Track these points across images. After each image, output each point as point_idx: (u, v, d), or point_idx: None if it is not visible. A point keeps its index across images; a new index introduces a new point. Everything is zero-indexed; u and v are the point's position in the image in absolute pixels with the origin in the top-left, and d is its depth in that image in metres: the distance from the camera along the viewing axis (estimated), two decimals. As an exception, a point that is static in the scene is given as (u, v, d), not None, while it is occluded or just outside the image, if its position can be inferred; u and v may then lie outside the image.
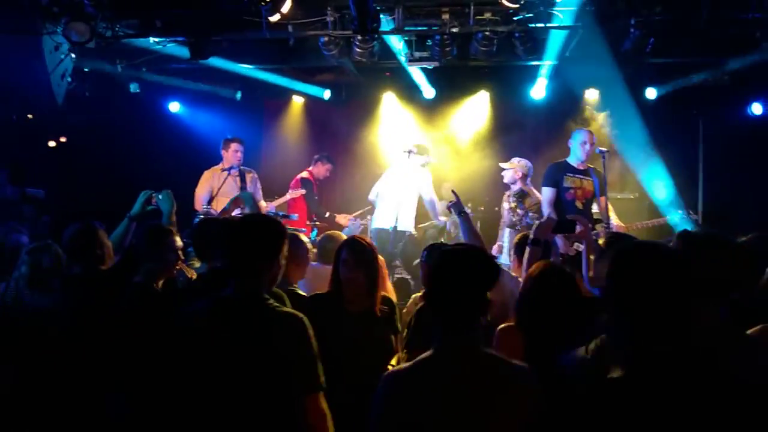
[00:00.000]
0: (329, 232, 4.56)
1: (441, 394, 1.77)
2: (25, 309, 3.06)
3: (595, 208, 5.60)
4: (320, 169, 7.32)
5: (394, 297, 3.33)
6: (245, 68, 7.08)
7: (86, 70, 6.76)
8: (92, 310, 2.92)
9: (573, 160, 5.50)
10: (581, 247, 3.56)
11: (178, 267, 3.20)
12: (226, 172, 6.43)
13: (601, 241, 3.06)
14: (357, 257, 2.93)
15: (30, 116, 6.52)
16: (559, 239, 4.93)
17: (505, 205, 6.51)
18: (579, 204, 5.47)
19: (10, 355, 2.91)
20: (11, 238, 4.94)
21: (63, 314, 2.96)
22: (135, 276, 3.06)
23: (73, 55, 6.06)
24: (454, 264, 1.86)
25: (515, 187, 6.05)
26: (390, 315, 3.03)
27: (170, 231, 3.20)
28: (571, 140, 5.52)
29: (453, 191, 3.74)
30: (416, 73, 7.35)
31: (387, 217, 6.38)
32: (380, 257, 3.19)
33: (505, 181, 6.07)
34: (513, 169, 6.02)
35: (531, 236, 3.25)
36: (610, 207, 5.52)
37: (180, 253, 3.15)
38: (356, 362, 2.71)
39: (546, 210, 5.49)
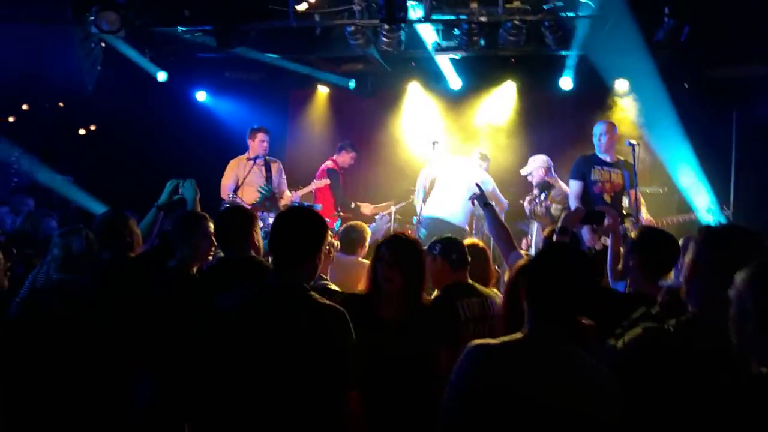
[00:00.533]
0: (352, 222, 4.56)
1: (525, 377, 1.76)
2: (54, 288, 3.12)
3: (625, 202, 5.51)
4: (344, 158, 7.29)
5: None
6: (271, 57, 7.06)
7: (113, 58, 6.84)
8: (120, 294, 2.96)
9: (599, 152, 5.43)
10: (608, 242, 3.51)
11: (212, 253, 3.21)
12: (251, 162, 6.47)
13: (633, 234, 2.99)
14: (397, 255, 2.54)
15: (61, 104, 6.63)
16: (585, 232, 4.87)
17: (529, 198, 6.51)
18: (607, 197, 5.40)
19: (37, 335, 2.98)
20: (43, 222, 5.06)
21: (91, 295, 3.01)
22: (169, 261, 3.11)
23: (103, 44, 6.13)
24: (560, 261, 1.87)
25: (540, 179, 6.12)
26: (434, 325, 2.57)
27: (204, 217, 3.21)
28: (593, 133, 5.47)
29: (477, 184, 3.69)
30: (443, 62, 7.27)
31: (447, 207, 6.20)
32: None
33: (534, 182, 6.10)
34: (535, 170, 6.06)
35: (559, 224, 3.21)
36: (642, 201, 5.43)
37: (213, 239, 3.14)
38: (382, 381, 2.36)
39: (573, 203, 5.45)
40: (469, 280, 3.04)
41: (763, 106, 7.09)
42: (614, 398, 1.74)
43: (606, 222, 3.45)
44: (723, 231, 1.89)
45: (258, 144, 6.52)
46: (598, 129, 5.47)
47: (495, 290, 3.41)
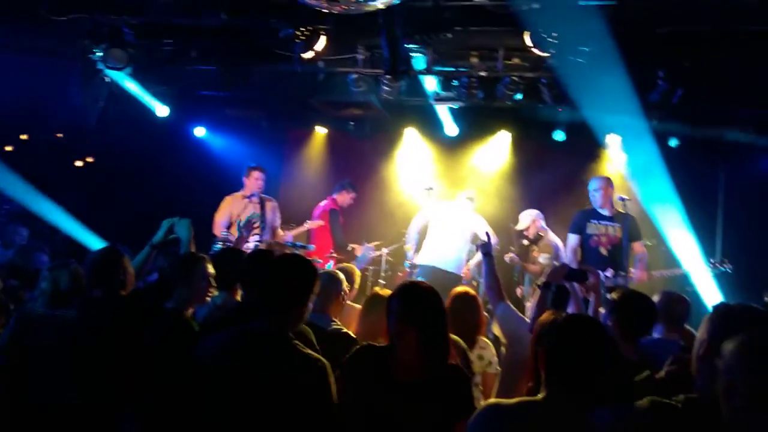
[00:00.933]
0: (338, 266, 4.56)
1: None
2: (40, 322, 3.09)
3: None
4: (345, 197, 7.29)
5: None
6: (274, 96, 7.17)
7: (117, 93, 6.91)
8: (109, 331, 2.90)
9: (597, 207, 5.54)
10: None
11: (209, 294, 3.20)
12: (246, 199, 6.53)
13: (613, 295, 3.04)
14: (409, 309, 2.25)
15: (59, 135, 6.65)
16: (576, 286, 4.95)
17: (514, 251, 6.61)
18: (603, 251, 5.51)
19: (22, 367, 2.93)
20: (34, 256, 5.00)
21: (77, 330, 2.96)
22: (166, 301, 3.09)
23: (107, 79, 6.20)
24: (582, 329, 1.92)
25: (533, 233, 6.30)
26: (455, 390, 2.26)
27: (202, 258, 3.20)
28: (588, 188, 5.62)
29: (486, 233, 3.76)
30: (440, 110, 7.42)
31: (443, 255, 6.29)
32: None
33: (531, 236, 6.22)
34: (531, 224, 6.33)
35: (543, 279, 3.29)
36: (640, 255, 5.54)
37: (212, 280, 3.14)
38: None
39: (568, 256, 5.55)
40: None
41: (751, 166, 7.33)
42: None
43: (589, 280, 3.50)
44: (740, 312, 1.93)
45: (253, 182, 6.59)
46: (593, 184, 5.64)
47: (486, 339, 3.45)
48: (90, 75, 5.94)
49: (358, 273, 4.22)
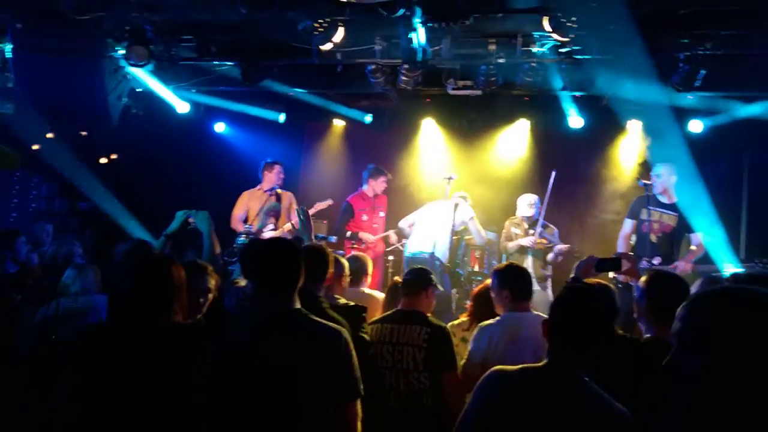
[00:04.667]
0: (354, 253, 4.60)
1: (539, 403, 1.91)
2: (64, 317, 3.15)
3: (693, 245, 5.65)
4: (376, 183, 7.16)
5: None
6: (292, 92, 7.22)
7: (140, 90, 7.01)
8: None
9: (656, 193, 5.61)
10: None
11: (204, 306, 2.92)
12: (266, 193, 6.73)
13: (642, 280, 2.99)
14: None
15: (83, 133, 6.76)
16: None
17: (516, 230, 6.47)
18: (653, 237, 5.50)
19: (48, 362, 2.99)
20: (65, 250, 5.09)
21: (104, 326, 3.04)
22: None
23: (129, 77, 6.29)
24: (579, 300, 2.06)
25: (533, 216, 6.31)
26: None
27: (201, 270, 2.91)
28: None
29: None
30: (458, 99, 7.39)
31: (424, 243, 6.40)
32: None
33: (537, 216, 6.17)
34: (533, 209, 6.33)
35: (572, 274, 3.24)
36: (695, 247, 5.56)
37: (209, 294, 2.89)
38: None
39: (619, 242, 5.65)
40: (415, 308, 3.29)
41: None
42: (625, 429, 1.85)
43: (624, 267, 3.45)
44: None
45: (275, 176, 6.82)
46: (654, 170, 5.69)
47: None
48: (113, 73, 6.02)
49: (370, 261, 4.34)
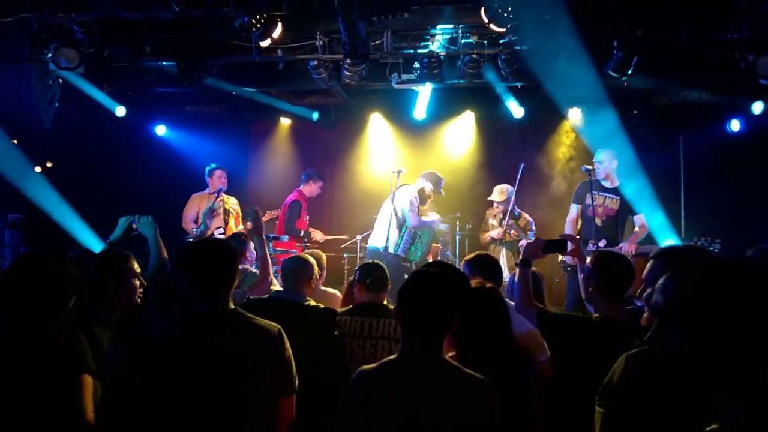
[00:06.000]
0: (310, 250, 4.56)
1: (400, 396, 1.92)
2: None
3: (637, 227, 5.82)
4: (312, 187, 7.38)
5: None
6: (234, 90, 7.09)
7: (72, 94, 6.72)
8: None
9: (600, 178, 5.80)
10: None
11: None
12: (212, 195, 6.86)
13: (588, 260, 3.06)
14: None
15: (14, 141, 6.43)
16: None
17: (493, 222, 6.71)
18: (598, 221, 5.67)
19: None
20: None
21: None
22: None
23: (60, 81, 6.03)
24: (421, 285, 2.04)
25: (505, 207, 6.43)
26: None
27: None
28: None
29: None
30: (404, 93, 7.42)
31: (377, 237, 6.43)
32: None
33: (509, 208, 6.30)
34: (505, 197, 6.45)
35: (520, 257, 3.30)
36: (639, 227, 5.73)
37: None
38: None
39: (566, 226, 5.83)
40: (385, 302, 3.31)
41: (708, 130, 7.52)
42: (487, 403, 1.91)
43: (569, 248, 3.53)
44: (681, 251, 2.05)
45: (217, 180, 6.96)
46: (596, 157, 5.87)
47: None
48: (42, 77, 5.76)
49: (324, 258, 4.24)
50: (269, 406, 2.21)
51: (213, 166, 7.01)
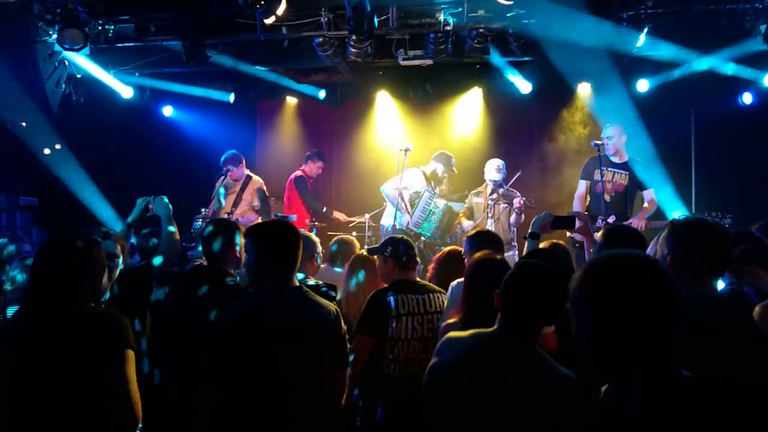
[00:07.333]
0: (343, 236, 4.55)
1: (483, 367, 1.99)
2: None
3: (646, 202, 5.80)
4: (312, 167, 7.39)
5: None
6: (241, 67, 7.04)
7: (79, 76, 6.72)
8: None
9: (608, 154, 5.74)
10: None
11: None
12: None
13: (598, 234, 3.05)
14: None
15: (23, 123, 6.46)
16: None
17: (478, 200, 6.50)
18: (607, 197, 5.64)
19: None
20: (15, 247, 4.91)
21: None
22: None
23: (66, 62, 6.02)
24: (531, 281, 2.07)
25: (498, 187, 6.31)
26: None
27: (105, 236, 2.98)
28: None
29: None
30: (411, 70, 7.34)
31: (388, 215, 6.45)
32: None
33: (501, 183, 6.19)
34: (496, 173, 6.30)
35: (530, 230, 3.33)
36: (648, 202, 5.70)
37: (116, 259, 2.94)
38: None
39: (574, 203, 5.79)
40: (417, 279, 3.35)
41: (719, 103, 7.39)
42: (576, 406, 1.87)
43: (577, 225, 3.53)
44: (697, 223, 2.16)
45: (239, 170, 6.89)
46: (605, 132, 5.81)
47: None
48: (48, 59, 5.76)
49: (357, 244, 4.37)
50: (331, 378, 2.48)
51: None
